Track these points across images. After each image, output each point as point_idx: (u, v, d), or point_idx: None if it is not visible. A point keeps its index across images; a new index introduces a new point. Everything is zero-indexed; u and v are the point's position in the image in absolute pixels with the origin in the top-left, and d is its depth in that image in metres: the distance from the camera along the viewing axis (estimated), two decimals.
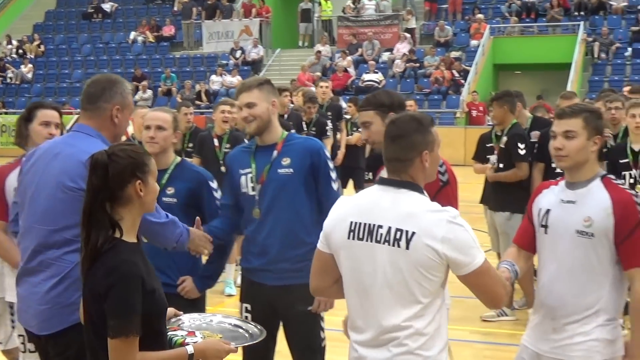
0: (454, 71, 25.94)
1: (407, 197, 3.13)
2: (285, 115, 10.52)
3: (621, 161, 6.82)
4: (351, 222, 3.19)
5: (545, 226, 3.75)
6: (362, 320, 3.20)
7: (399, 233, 3.05)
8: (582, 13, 28.16)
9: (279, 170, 4.40)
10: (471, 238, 3.05)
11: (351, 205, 3.26)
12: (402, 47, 27.58)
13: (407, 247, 3.03)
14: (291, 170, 4.38)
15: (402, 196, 3.13)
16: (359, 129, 8.46)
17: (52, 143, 4.01)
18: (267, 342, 4.38)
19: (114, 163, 3.03)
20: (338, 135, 11.75)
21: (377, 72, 26.33)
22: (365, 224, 3.15)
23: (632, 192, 3.70)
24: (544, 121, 8.33)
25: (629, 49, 26.07)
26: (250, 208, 4.48)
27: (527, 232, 3.89)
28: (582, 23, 26.94)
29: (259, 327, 3.60)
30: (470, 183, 9.57)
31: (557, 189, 3.78)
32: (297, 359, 4.57)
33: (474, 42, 27.52)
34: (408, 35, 27.92)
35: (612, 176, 3.76)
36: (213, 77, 28.24)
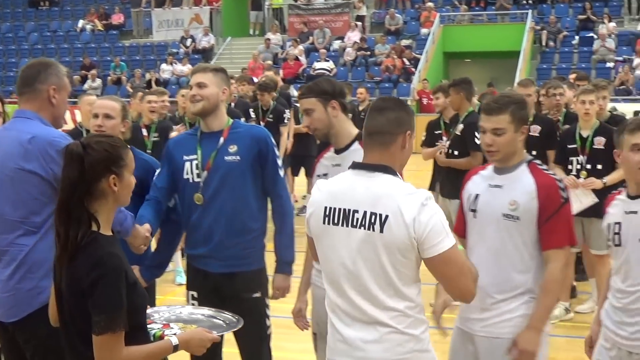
0: (405, 59, 26.06)
1: (381, 181, 3.13)
2: (232, 104, 10.50)
3: (569, 147, 6.93)
4: (326, 208, 3.20)
5: (474, 210, 3.85)
6: (344, 304, 3.19)
7: (373, 217, 3.07)
8: (530, 1, 28.49)
9: (226, 158, 4.40)
10: (441, 222, 3.05)
11: (326, 191, 3.26)
12: (353, 36, 27.62)
13: (382, 230, 3.05)
14: (238, 157, 4.38)
15: (376, 180, 3.14)
16: None
17: (2, 129, 3.99)
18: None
19: (89, 156, 2.92)
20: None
21: (328, 61, 26.33)
22: (340, 209, 3.16)
23: (556, 177, 3.83)
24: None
25: (576, 37, 26.42)
26: (191, 194, 4.46)
27: (461, 219, 4.01)
28: (530, 11, 27.28)
29: (236, 316, 3.58)
30: (421, 170, 9.65)
31: (485, 174, 3.89)
32: (242, 347, 4.56)
33: (424, 31, 27.65)
34: (359, 23, 27.97)
35: (538, 161, 3.88)
36: (163, 66, 28.00)
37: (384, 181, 3.13)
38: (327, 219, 3.19)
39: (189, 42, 29.11)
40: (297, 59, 26.59)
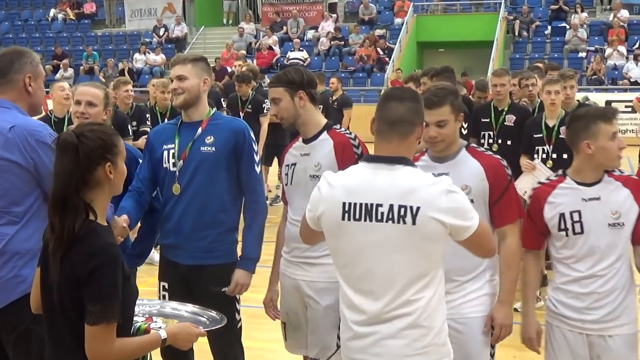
0: (379, 49, 26.08)
1: (404, 173, 3.12)
2: None
3: (535, 136, 6.98)
4: (344, 204, 3.14)
5: None
6: (363, 299, 3.16)
7: (402, 210, 3.04)
8: None
9: (202, 148, 4.37)
10: (468, 202, 3.14)
11: (340, 186, 3.20)
12: (327, 25, 27.60)
13: (414, 223, 3.04)
14: (213, 148, 4.36)
15: (398, 172, 3.12)
16: None
17: None
18: None
19: (83, 144, 2.87)
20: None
21: (302, 50, 26.30)
22: (361, 204, 3.11)
23: (498, 156, 3.97)
24: (463, 98, 8.47)
25: (549, 27, 26.56)
26: (170, 184, 4.44)
27: None
28: (503, 1, 27.37)
29: (219, 314, 3.57)
30: None
31: (423, 164, 3.90)
32: (213, 342, 4.53)
33: (398, 20, 27.68)
34: (334, 15, 27.94)
35: (474, 145, 4.02)
36: (136, 56, 27.83)
37: (408, 173, 3.13)
38: (346, 215, 3.13)
39: (162, 31, 28.95)
40: (271, 48, 26.54)
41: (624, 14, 25.49)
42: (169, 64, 26.19)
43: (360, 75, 25.65)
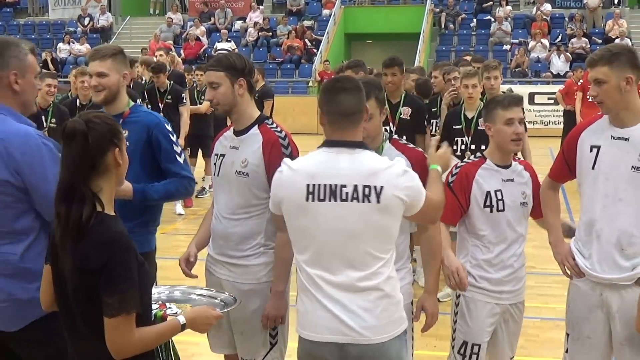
0: (306, 40, 26.09)
1: (365, 156, 3.31)
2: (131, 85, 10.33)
3: (455, 127, 7.03)
4: (308, 185, 3.28)
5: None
6: (332, 276, 3.29)
7: (367, 189, 3.23)
8: None
9: None
10: (418, 179, 3.36)
11: (301, 169, 3.34)
12: (255, 16, 27.50)
13: (378, 201, 3.22)
14: (127, 143, 4.27)
15: (360, 156, 3.31)
16: None
17: None
18: None
19: (93, 130, 2.81)
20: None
21: (229, 41, 26.16)
22: (325, 185, 3.26)
23: (420, 149, 4.10)
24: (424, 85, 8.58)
25: (474, 20, 26.94)
26: None
27: None
28: None
29: (232, 296, 3.55)
30: None
31: None
32: None
33: (325, 12, 27.75)
34: (261, 7, 27.83)
35: (396, 136, 4.17)
36: (60, 45, 27.32)
37: (368, 156, 3.32)
38: (310, 196, 3.27)
39: (86, 20, 28.48)
40: (198, 39, 26.32)
41: (547, 7, 25.99)
42: None
43: (288, 66, 25.63)
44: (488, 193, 4.23)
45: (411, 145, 4.09)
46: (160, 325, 2.95)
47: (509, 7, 26.55)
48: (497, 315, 4.30)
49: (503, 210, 4.22)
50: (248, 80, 4.07)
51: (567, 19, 26.11)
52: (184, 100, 11.05)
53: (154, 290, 3.49)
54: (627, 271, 3.90)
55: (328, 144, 3.37)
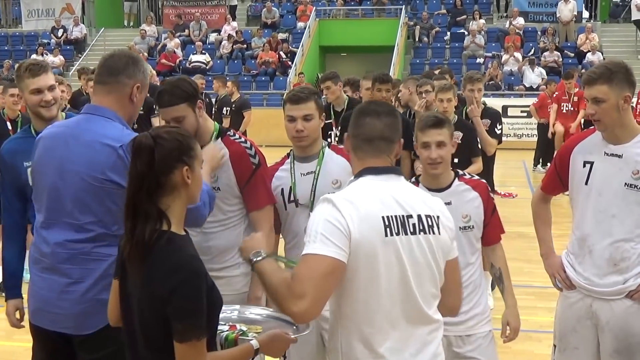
0: (281, 53, 26.13)
1: (408, 184, 3.03)
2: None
3: None
4: (383, 218, 2.83)
5: (295, 200, 4.09)
6: (403, 324, 2.88)
7: (429, 219, 2.91)
8: None
9: None
10: None
11: (369, 199, 2.87)
12: (230, 28, 27.50)
13: (439, 232, 2.92)
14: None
15: (405, 184, 3.00)
16: None
17: (61, 127, 3.65)
18: None
19: (160, 146, 2.72)
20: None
21: (204, 54, 26.14)
22: (396, 216, 2.85)
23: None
24: (358, 101, 8.59)
25: (448, 33, 27.11)
26: None
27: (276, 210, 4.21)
28: (403, 7, 27.78)
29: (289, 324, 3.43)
30: None
31: (286, 167, 4.18)
32: None
33: (300, 24, 27.80)
34: (235, 20, 27.82)
35: (335, 143, 4.30)
36: (34, 57, 27.12)
37: (410, 184, 3.07)
38: (388, 230, 2.82)
39: (60, 32, 28.33)
40: (174, 52, 26.27)
41: (520, 21, 26.20)
42: (67, 66, 25.85)
43: (263, 78, 25.64)
44: None
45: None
46: (233, 350, 2.89)
47: (482, 21, 26.74)
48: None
49: None
50: (201, 99, 4.05)
51: (539, 32, 26.34)
52: (156, 112, 10.98)
53: (224, 308, 3.27)
54: (619, 284, 3.94)
55: (373, 171, 2.95)
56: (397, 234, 2.83)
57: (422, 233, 2.87)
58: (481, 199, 4.08)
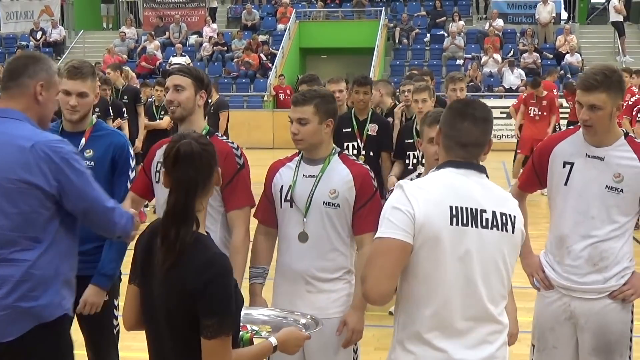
0: (262, 55, 26.12)
1: (490, 183, 3.06)
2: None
3: (407, 141, 7.07)
4: (451, 207, 2.91)
5: (290, 200, 4.00)
6: (461, 315, 2.93)
7: (504, 217, 2.97)
8: None
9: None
10: None
11: (441, 188, 2.96)
12: (210, 31, 27.46)
13: (514, 231, 2.98)
14: (92, 163, 4.26)
15: (486, 181, 3.04)
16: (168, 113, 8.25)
17: None
18: None
19: (205, 152, 2.85)
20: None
21: (184, 56, 26.06)
22: (468, 209, 2.92)
23: (367, 166, 4.09)
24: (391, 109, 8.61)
25: (428, 35, 27.20)
26: None
27: (267, 209, 4.14)
28: (383, 9, 27.86)
29: (308, 315, 3.50)
30: None
31: (293, 165, 4.09)
32: (91, 348, 4.50)
33: (280, 26, 27.80)
34: (215, 25, 27.78)
35: (347, 152, 4.22)
36: None
37: (492, 183, 3.08)
38: (454, 219, 2.90)
39: (39, 34, 28.15)
40: (153, 54, 26.20)
41: (499, 22, 26.33)
42: None
43: (243, 80, 25.63)
44: None
45: (359, 162, 4.13)
46: (253, 347, 2.95)
47: (462, 23, 26.86)
48: None
49: None
50: (205, 95, 4.21)
51: (518, 34, 26.49)
52: (125, 116, 10.91)
53: None
54: (599, 283, 3.96)
55: (456, 164, 3.02)
56: (466, 224, 2.90)
57: (495, 229, 2.93)
58: None
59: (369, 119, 7.20)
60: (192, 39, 27.80)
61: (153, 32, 27.55)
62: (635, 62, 23.18)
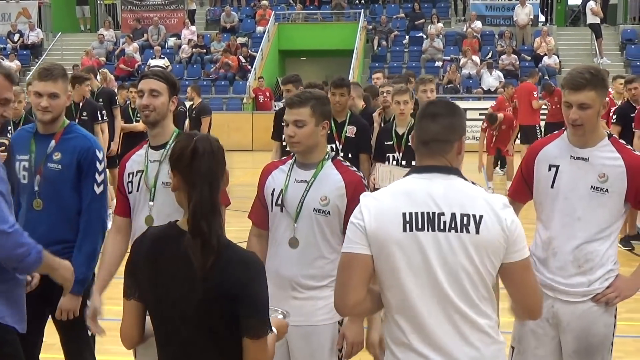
0: (241, 57, 26.10)
1: (459, 183, 3.00)
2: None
3: (386, 143, 7.09)
4: (404, 214, 2.91)
5: (281, 205, 3.96)
6: (434, 319, 2.93)
7: (465, 218, 2.90)
8: (362, 1, 29.16)
9: (49, 165, 4.33)
10: (521, 226, 3.01)
11: (397, 196, 2.97)
12: (189, 33, 27.40)
13: (477, 232, 2.90)
14: (60, 166, 4.30)
15: (455, 182, 2.99)
16: None
17: None
18: (35, 335, 4.26)
19: (222, 149, 2.83)
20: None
21: (163, 58, 26.01)
22: (423, 213, 2.91)
23: (360, 173, 4.04)
24: (371, 111, 8.60)
25: (407, 37, 27.27)
26: (30, 199, 4.35)
27: (259, 212, 4.11)
28: (362, 11, 27.91)
29: (278, 309, 3.45)
30: (259, 168, 9.67)
31: (286, 168, 4.02)
32: (66, 352, 4.51)
33: (259, 29, 27.79)
34: (194, 28, 27.73)
35: (341, 158, 4.11)
36: None
37: (463, 183, 3.01)
38: (407, 225, 2.91)
39: (16, 37, 28.00)
40: (131, 56, 26.11)
41: (478, 24, 26.45)
42: (24, 71, 25.54)
43: (223, 83, 25.59)
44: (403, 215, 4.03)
45: (353, 169, 4.06)
46: (269, 337, 2.88)
47: (440, 25, 26.96)
48: None
49: None
50: (177, 100, 4.24)
51: (497, 36, 26.63)
52: (102, 119, 10.69)
53: None
54: (584, 286, 3.96)
55: (418, 170, 3.05)
56: (421, 229, 2.90)
57: (453, 231, 2.90)
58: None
59: (347, 121, 7.21)
60: (171, 41, 27.74)
61: (131, 35, 27.48)
62: (612, 64, 23.41)
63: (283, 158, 4.18)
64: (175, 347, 2.83)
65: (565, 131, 4.03)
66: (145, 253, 2.84)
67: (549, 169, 4.02)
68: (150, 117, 4.14)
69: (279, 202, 3.95)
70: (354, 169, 4.09)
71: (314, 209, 3.88)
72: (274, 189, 3.99)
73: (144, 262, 2.83)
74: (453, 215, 2.91)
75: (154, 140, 4.22)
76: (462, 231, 2.90)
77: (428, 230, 2.91)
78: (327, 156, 4.00)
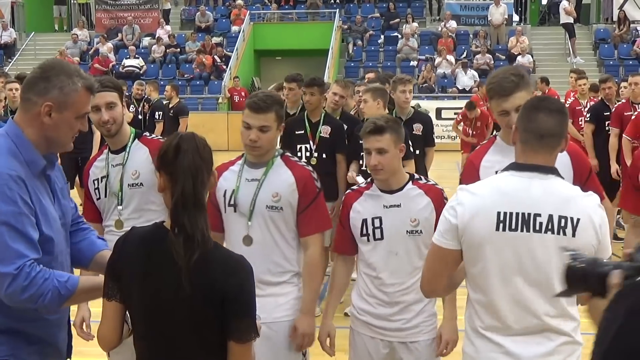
0: (216, 57, 26.02)
1: (557, 183, 3.01)
2: None
3: (361, 142, 7.05)
4: (499, 213, 2.96)
5: (233, 205, 3.98)
6: (512, 314, 3.01)
7: (563, 220, 2.94)
8: (337, 1, 29.17)
9: None
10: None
11: (488, 195, 3.02)
12: (163, 33, 27.28)
13: (574, 235, 2.93)
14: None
15: (552, 182, 3.00)
16: None
17: None
18: None
19: (208, 146, 2.79)
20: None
21: (137, 58, 25.88)
22: (518, 214, 2.95)
23: (309, 168, 4.09)
24: (350, 115, 8.57)
25: (382, 37, 27.31)
26: None
27: (212, 214, 4.05)
28: (337, 11, 27.92)
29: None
30: None
31: (236, 168, 4.05)
32: None
33: (235, 28, 27.72)
34: (169, 28, 27.61)
35: (289, 154, 4.12)
36: None
37: (562, 184, 3.04)
38: (501, 225, 2.95)
39: None
40: (106, 56, 25.95)
41: (452, 24, 26.54)
42: None
43: (198, 83, 25.50)
44: (364, 221, 3.96)
45: (301, 163, 4.11)
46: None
47: (415, 24, 27.02)
48: (385, 354, 4.00)
49: (381, 238, 3.93)
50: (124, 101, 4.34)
51: (471, 35, 26.74)
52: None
53: None
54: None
55: (517, 167, 3.07)
56: (515, 229, 2.95)
57: (549, 232, 2.94)
58: (434, 205, 3.91)
59: (321, 120, 7.21)
60: (146, 41, 27.59)
61: (106, 34, 27.31)
62: (586, 63, 23.55)
63: (230, 160, 4.16)
64: (156, 342, 2.80)
65: (497, 138, 3.97)
66: (131, 253, 2.80)
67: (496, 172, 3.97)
68: (112, 130, 4.20)
69: (232, 202, 3.96)
70: (303, 163, 4.15)
71: (267, 206, 3.90)
72: (225, 190, 3.99)
73: (130, 262, 2.79)
74: (550, 216, 2.95)
75: (114, 145, 4.27)
76: (559, 233, 2.94)
77: (522, 230, 2.95)
78: (276, 154, 4.02)
